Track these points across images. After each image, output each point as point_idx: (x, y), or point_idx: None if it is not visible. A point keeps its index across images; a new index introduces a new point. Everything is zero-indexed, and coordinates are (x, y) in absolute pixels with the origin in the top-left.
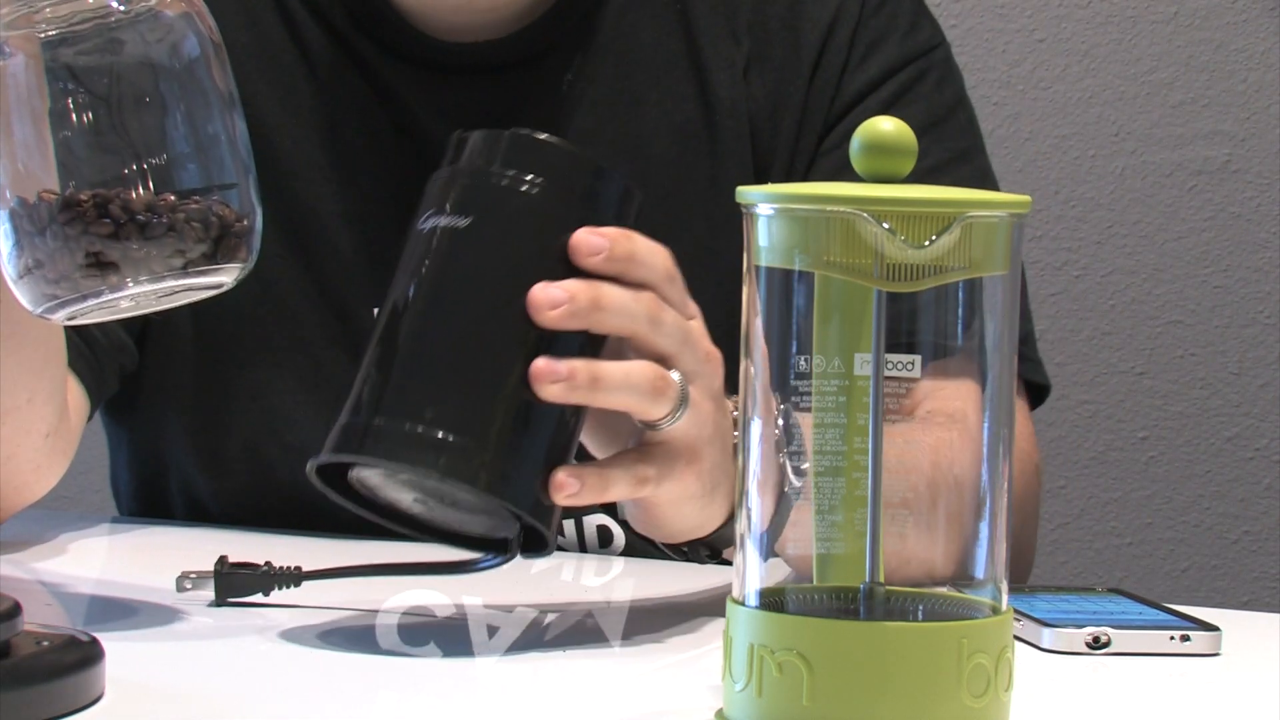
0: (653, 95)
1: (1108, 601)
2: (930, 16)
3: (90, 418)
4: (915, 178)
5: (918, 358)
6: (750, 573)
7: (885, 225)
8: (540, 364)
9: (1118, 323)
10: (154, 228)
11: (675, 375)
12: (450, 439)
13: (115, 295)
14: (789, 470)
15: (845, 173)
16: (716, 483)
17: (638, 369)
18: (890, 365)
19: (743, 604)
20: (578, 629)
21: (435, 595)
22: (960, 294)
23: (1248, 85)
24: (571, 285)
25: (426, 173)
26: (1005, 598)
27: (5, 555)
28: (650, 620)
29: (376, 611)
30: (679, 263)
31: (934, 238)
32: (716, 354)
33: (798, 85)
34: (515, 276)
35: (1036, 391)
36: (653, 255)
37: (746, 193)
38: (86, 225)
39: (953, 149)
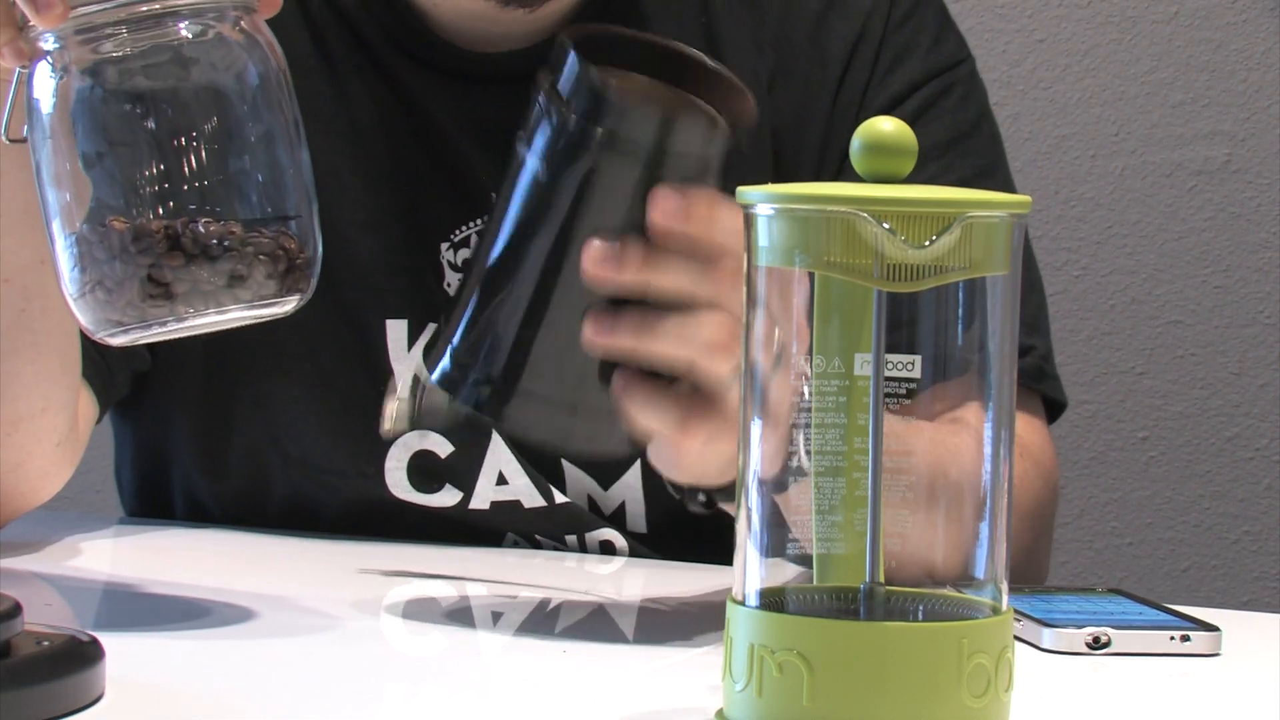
0: None
1: (1108, 601)
2: (956, 31)
3: (98, 421)
4: None
5: (918, 358)
6: (750, 573)
7: (885, 225)
8: (590, 320)
9: (1118, 323)
10: (223, 261)
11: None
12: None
13: (179, 325)
14: (801, 450)
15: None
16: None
17: (698, 323)
18: (890, 365)
19: (743, 604)
20: (578, 629)
21: (437, 593)
22: (960, 294)
23: (1248, 85)
24: (628, 243)
25: (450, 183)
26: (1005, 598)
27: (5, 555)
28: (650, 620)
29: (378, 610)
30: None
31: (934, 238)
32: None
33: (822, 100)
34: (588, 234)
35: (1054, 409)
36: (730, 220)
37: (746, 193)
38: (158, 256)
39: (977, 165)
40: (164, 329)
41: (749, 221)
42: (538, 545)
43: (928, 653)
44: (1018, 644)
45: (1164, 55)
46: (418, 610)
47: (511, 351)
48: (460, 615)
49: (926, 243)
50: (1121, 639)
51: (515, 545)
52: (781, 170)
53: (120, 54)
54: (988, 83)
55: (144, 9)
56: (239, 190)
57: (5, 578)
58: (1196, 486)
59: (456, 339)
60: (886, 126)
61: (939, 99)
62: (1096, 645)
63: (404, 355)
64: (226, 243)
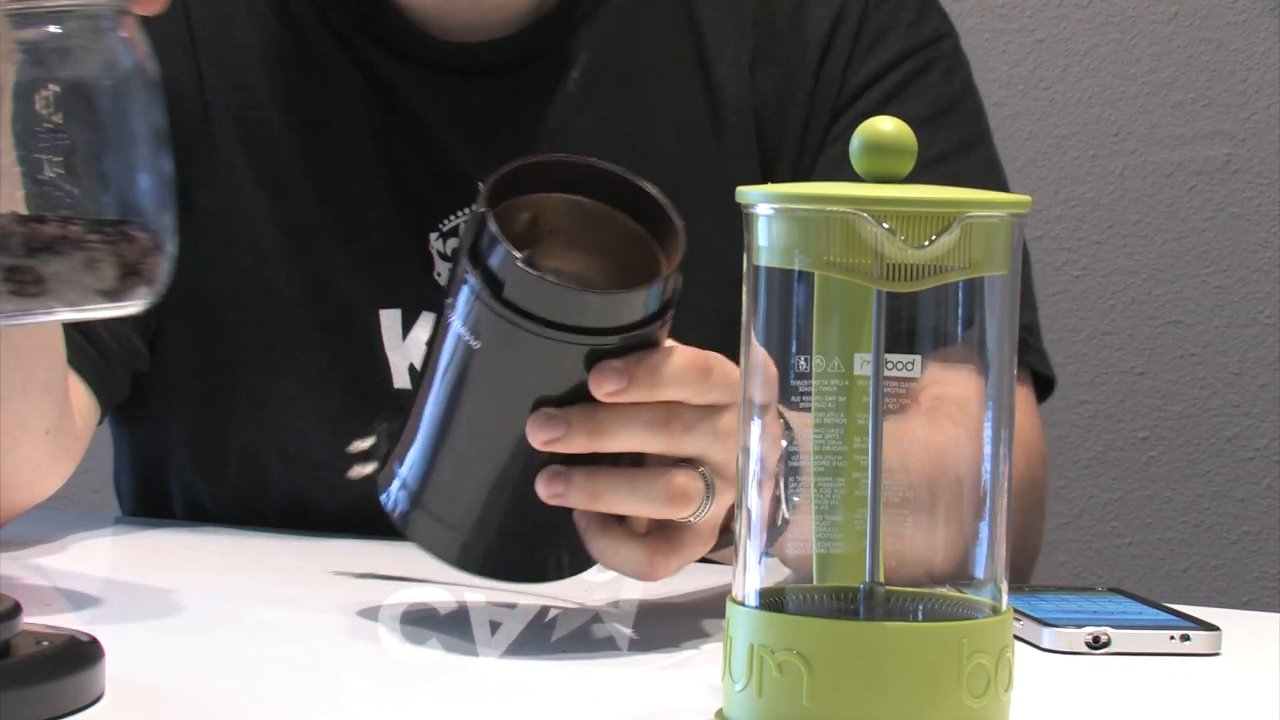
0: (658, 94)
1: (1108, 601)
2: (938, 8)
3: (100, 422)
4: (920, 167)
5: (918, 358)
6: (750, 573)
7: (885, 225)
8: (541, 479)
9: (1118, 323)
10: (53, 263)
11: (698, 475)
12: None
13: (9, 323)
14: (783, 502)
15: (849, 165)
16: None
17: (654, 481)
18: (890, 365)
19: (743, 604)
20: (578, 629)
21: (437, 595)
22: (960, 294)
23: (1248, 85)
24: (572, 415)
25: (434, 173)
26: (1005, 598)
27: (5, 555)
28: (650, 620)
29: (377, 611)
30: (690, 266)
31: (934, 238)
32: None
33: (804, 79)
34: (525, 404)
35: (1042, 384)
36: (677, 372)
37: (746, 193)
38: None
39: (958, 139)
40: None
41: (749, 221)
42: None
43: (928, 653)
44: (1017, 644)
45: (1164, 55)
46: (417, 611)
47: (451, 488)
48: (460, 616)
49: (926, 243)
50: (1121, 638)
51: None
52: (765, 151)
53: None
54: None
55: (14, 6)
56: (87, 192)
57: (5, 578)
58: (1196, 486)
59: (400, 447)
60: (886, 126)
61: (920, 74)
62: (1096, 645)
63: (398, 345)
64: (58, 247)
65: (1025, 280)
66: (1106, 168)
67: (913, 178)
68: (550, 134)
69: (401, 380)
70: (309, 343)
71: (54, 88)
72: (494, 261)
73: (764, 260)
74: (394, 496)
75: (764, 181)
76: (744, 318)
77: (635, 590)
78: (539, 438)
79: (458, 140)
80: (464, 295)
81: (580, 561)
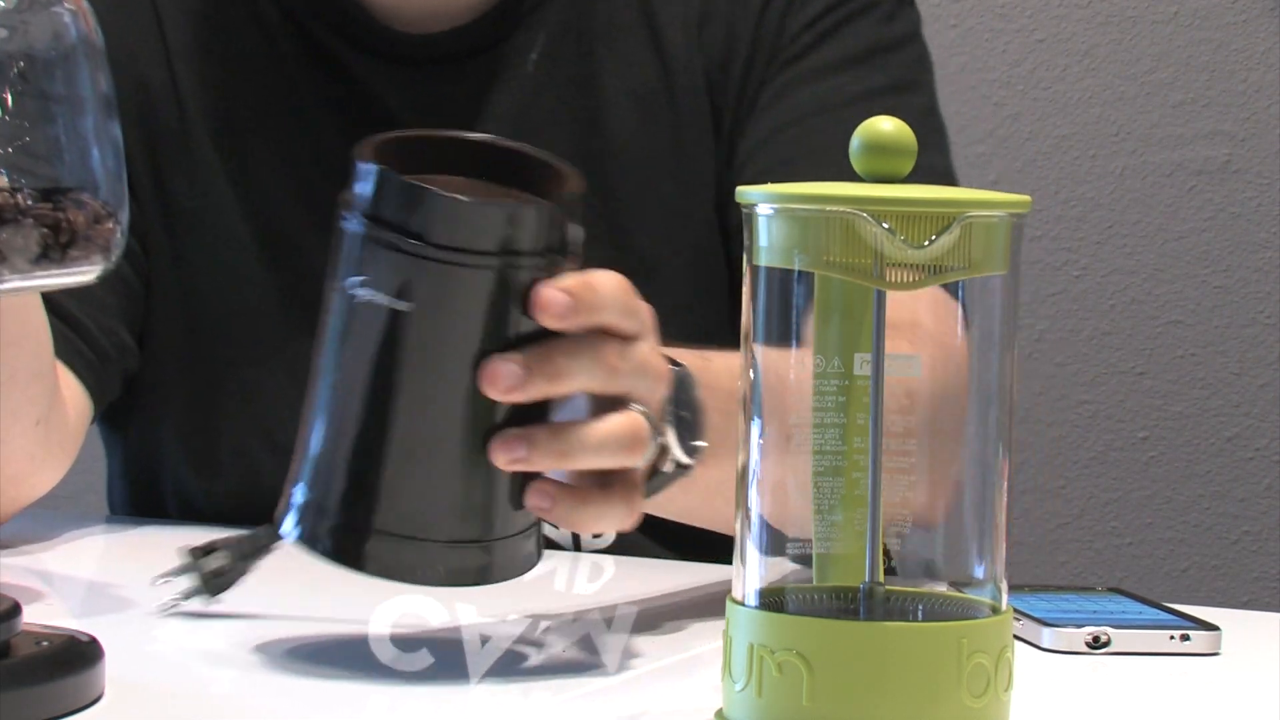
0: (610, 66)
1: (1108, 601)
2: None
3: (94, 419)
4: (844, 102)
5: (918, 358)
6: (750, 573)
7: (885, 225)
8: (497, 443)
9: (1118, 323)
10: (2, 232)
11: (640, 415)
12: (446, 549)
13: None
14: (673, 445)
15: (785, 98)
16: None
17: (611, 430)
18: (890, 365)
19: (743, 604)
20: (577, 629)
21: (435, 593)
22: (960, 294)
23: (1248, 85)
24: (528, 358)
25: None
26: (1005, 597)
27: (5, 555)
28: (650, 620)
29: (376, 609)
30: (651, 231)
31: (934, 238)
32: (665, 369)
33: (745, 33)
34: (469, 360)
35: None
36: (611, 292)
37: (746, 193)
38: None
39: (893, 79)
40: None
41: (749, 221)
42: None
43: (927, 652)
44: (1017, 643)
45: (1164, 55)
46: (415, 609)
47: (408, 493)
48: (456, 615)
49: (926, 243)
50: (1121, 638)
51: None
52: (715, 111)
53: None
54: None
55: None
56: (34, 160)
57: (4, 578)
58: (1196, 486)
59: (303, 487)
60: (886, 126)
61: (858, 16)
62: (1096, 644)
63: None
64: (6, 210)
65: (939, 129)
66: (1106, 168)
67: (836, 111)
68: (512, 118)
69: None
70: (294, 335)
71: None
72: (410, 210)
73: (764, 260)
74: (318, 534)
75: (717, 141)
76: (744, 317)
77: (635, 591)
78: (500, 386)
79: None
80: (380, 260)
81: (541, 536)
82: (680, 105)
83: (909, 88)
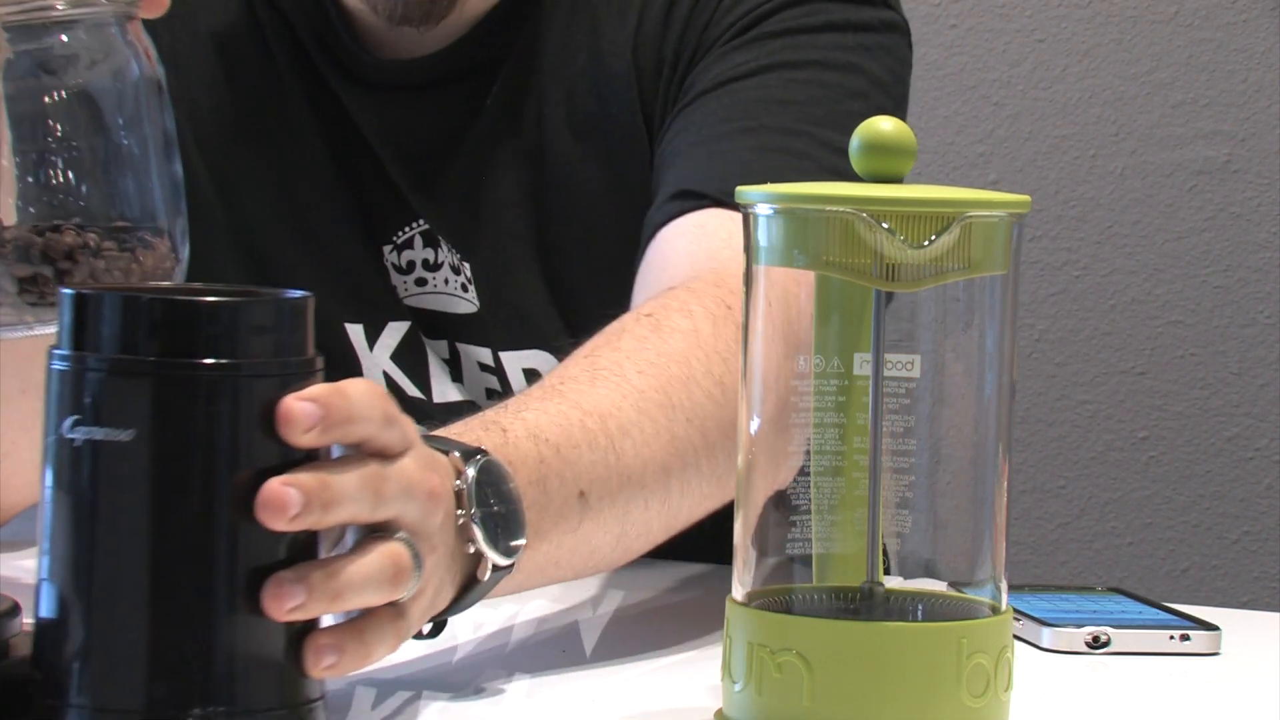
0: (554, 97)
1: (1107, 601)
2: None
3: None
4: (743, 75)
5: (917, 358)
6: (750, 573)
7: (885, 225)
8: (271, 591)
9: (1118, 323)
10: (74, 273)
11: (402, 544)
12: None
13: (29, 333)
14: (488, 551)
15: (700, 79)
16: (437, 592)
17: (374, 566)
18: (890, 365)
19: (743, 604)
20: (577, 629)
21: None
22: (959, 294)
23: (1248, 85)
24: (304, 482)
25: (379, 190)
26: (1005, 597)
27: (5, 555)
28: (650, 620)
29: None
30: (590, 262)
31: (933, 238)
32: (435, 487)
33: (670, 44)
34: (199, 486)
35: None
36: (367, 400)
37: (746, 193)
38: (7, 266)
39: (798, 56)
40: (14, 333)
41: (748, 221)
42: None
43: (927, 653)
44: (1017, 643)
45: (1164, 55)
46: None
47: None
48: (457, 616)
49: (925, 243)
50: (1121, 638)
51: None
52: (649, 121)
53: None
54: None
55: (21, 17)
56: (101, 200)
57: (4, 578)
58: (1196, 486)
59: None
60: (886, 126)
61: (783, 9)
62: (1096, 644)
63: (369, 355)
64: (74, 255)
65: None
66: (1106, 168)
67: (729, 85)
68: (474, 152)
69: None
70: None
71: (63, 96)
72: (113, 322)
73: (763, 260)
74: None
75: (651, 155)
76: (744, 317)
77: (634, 592)
78: (284, 514)
79: (391, 157)
80: (88, 390)
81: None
82: (614, 137)
83: (823, 65)
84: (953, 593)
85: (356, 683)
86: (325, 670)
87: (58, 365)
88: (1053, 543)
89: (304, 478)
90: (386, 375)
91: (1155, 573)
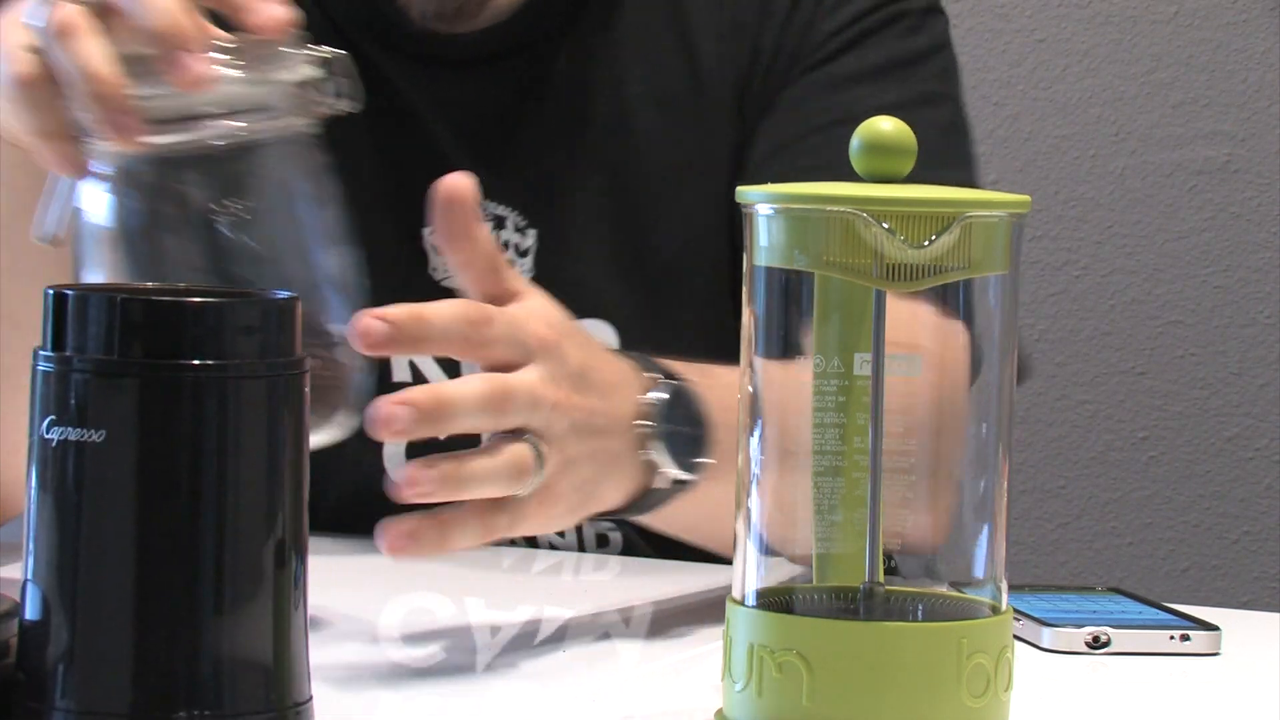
0: (636, 71)
1: (1107, 601)
2: None
3: None
4: (868, 114)
5: (918, 358)
6: (750, 573)
7: (885, 225)
8: (404, 475)
9: (1118, 323)
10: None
11: (528, 446)
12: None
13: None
14: (666, 462)
15: (802, 106)
16: (589, 493)
17: (498, 463)
18: (890, 365)
19: (743, 604)
20: (577, 629)
21: (436, 595)
22: (960, 294)
23: (1248, 85)
24: (417, 397)
25: (427, 167)
26: (1005, 597)
27: (4, 555)
28: (650, 620)
29: (378, 610)
30: (672, 237)
31: (933, 238)
32: (560, 398)
33: (770, 38)
34: (172, 487)
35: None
36: (449, 320)
37: (746, 193)
38: None
39: (919, 91)
40: None
41: (749, 221)
42: (533, 536)
43: (927, 653)
44: (1017, 643)
45: (1164, 55)
46: (415, 610)
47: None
48: (459, 615)
49: (926, 243)
50: (1121, 638)
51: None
52: (744, 120)
53: (186, 179)
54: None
55: (220, 140)
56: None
57: (4, 578)
58: (1196, 486)
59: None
60: (886, 126)
61: (883, 27)
62: (1096, 645)
63: None
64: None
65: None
66: (1106, 168)
67: (853, 124)
68: (543, 122)
69: (401, 374)
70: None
71: (256, 211)
72: (83, 322)
73: (764, 260)
74: None
75: (744, 152)
76: (744, 318)
77: (635, 592)
78: (391, 429)
79: (447, 134)
80: (69, 389)
81: None
82: (707, 115)
83: (932, 100)
84: (953, 593)
85: (354, 682)
86: (399, 547)
87: (42, 366)
88: (1053, 543)
89: (417, 393)
90: (412, 364)
91: (1155, 573)
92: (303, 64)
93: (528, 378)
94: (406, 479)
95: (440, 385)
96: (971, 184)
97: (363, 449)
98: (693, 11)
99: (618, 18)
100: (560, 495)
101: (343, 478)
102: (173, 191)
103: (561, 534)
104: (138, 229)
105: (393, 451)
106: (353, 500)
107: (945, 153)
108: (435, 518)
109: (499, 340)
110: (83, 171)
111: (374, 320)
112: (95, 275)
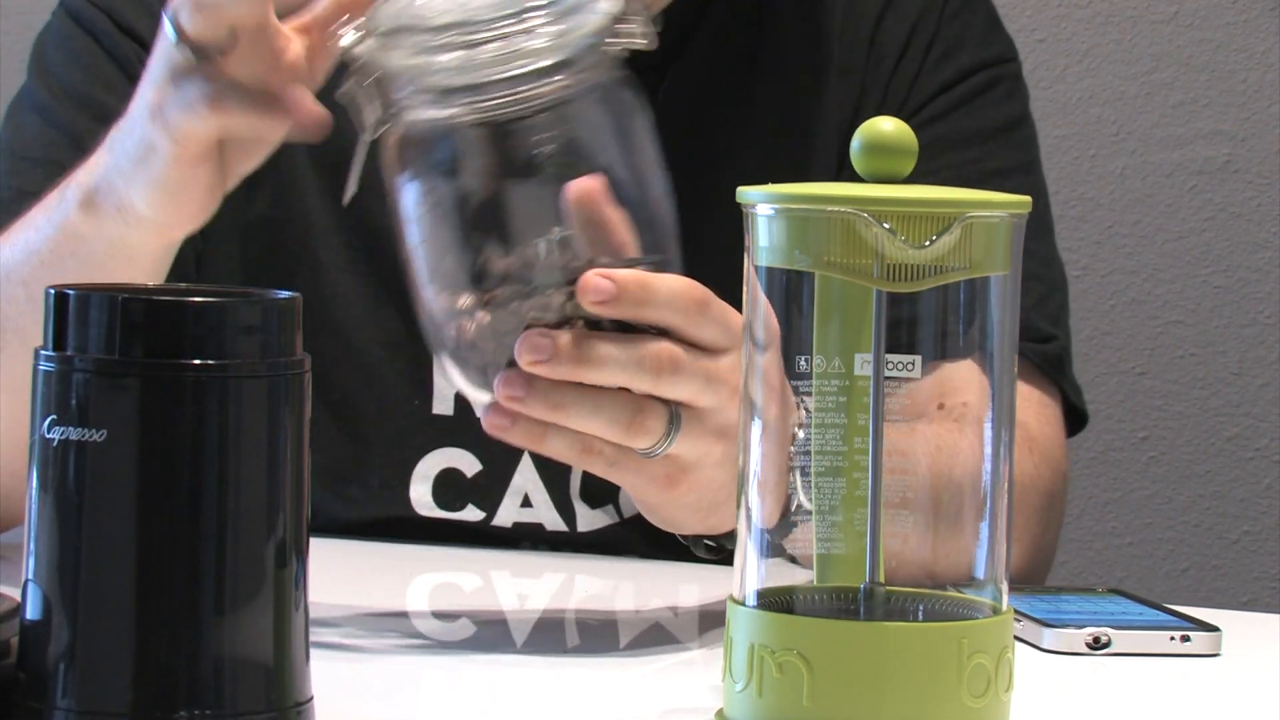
0: (737, 105)
1: (1108, 602)
2: (1004, 31)
3: None
4: (979, 177)
5: (918, 358)
6: (750, 573)
7: (885, 225)
8: (500, 381)
9: (1118, 323)
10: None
11: (667, 410)
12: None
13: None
14: (799, 484)
15: (921, 163)
16: (718, 501)
17: (619, 407)
18: (890, 365)
19: (743, 604)
20: (579, 629)
21: (436, 596)
22: (960, 294)
23: (1248, 85)
24: (560, 339)
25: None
26: (1005, 598)
27: (4, 555)
28: (650, 620)
29: (381, 610)
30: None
31: (934, 238)
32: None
33: (874, 93)
34: (177, 487)
35: (1072, 418)
36: (671, 293)
37: (746, 193)
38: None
39: (1018, 159)
40: None
41: (749, 221)
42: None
43: (928, 653)
44: (1018, 644)
45: (1164, 55)
46: (415, 610)
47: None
48: (460, 615)
49: (926, 243)
50: (1121, 639)
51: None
52: (840, 161)
53: (512, 140)
54: None
55: (539, 100)
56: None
57: (5, 578)
58: (1196, 486)
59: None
60: (886, 126)
61: (987, 89)
62: (1096, 645)
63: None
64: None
65: (1063, 305)
66: (1106, 168)
67: (974, 186)
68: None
69: (442, 406)
70: (382, 342)
71: (576, 147)
72: (84, 323)
73: (764, 260)
74: None
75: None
76: (744, 318)
77: (635, 591)
78: (526, 357)
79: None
80: (76, 393)
81: None
82: (811, 153)
83: (1028, 168)
84: (953, 593)
85: (355, 682)
86: (499, 426)
87: (43, 366)
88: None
89: (622, 272)
90: (458, 396)
91: (1155, 573)
92: (601, 6)
93: (723, 357)
94: (530, 345)
95: (647, 274)
96: (1051, 255)
97: (392, 475)
98: (773, 46)
99: (719, 49)
100: (691, 480)
101: (369, 501)
102: (503, 151)
103: (567, 527)
104: (483, 196)
105: (418, 480)
106: (380, 528)
107: (1035, 220)
108: (548, 402)
109: (712, 323)
110: (318, 121)
111: (601, 279)
112: (445, 252)
